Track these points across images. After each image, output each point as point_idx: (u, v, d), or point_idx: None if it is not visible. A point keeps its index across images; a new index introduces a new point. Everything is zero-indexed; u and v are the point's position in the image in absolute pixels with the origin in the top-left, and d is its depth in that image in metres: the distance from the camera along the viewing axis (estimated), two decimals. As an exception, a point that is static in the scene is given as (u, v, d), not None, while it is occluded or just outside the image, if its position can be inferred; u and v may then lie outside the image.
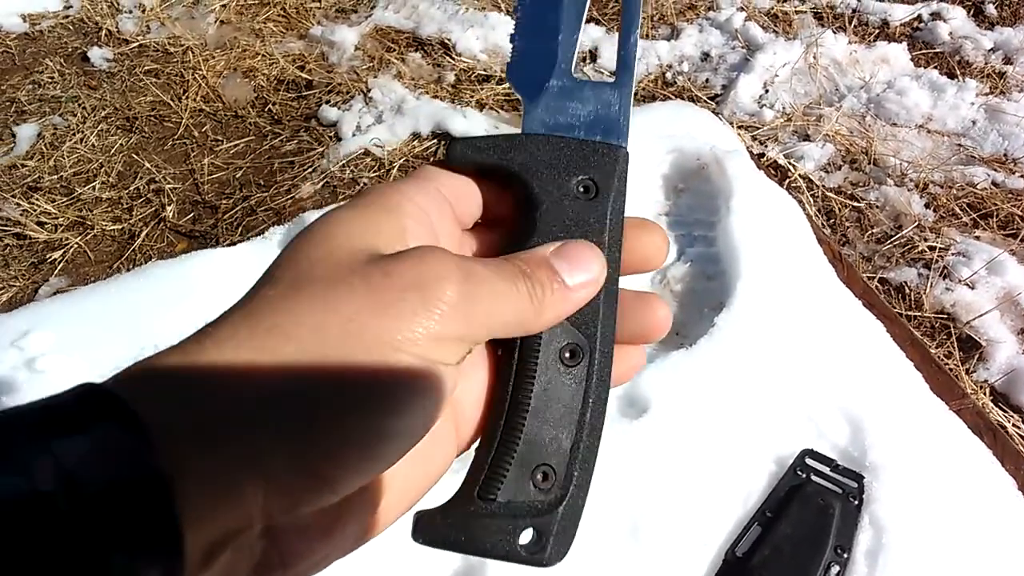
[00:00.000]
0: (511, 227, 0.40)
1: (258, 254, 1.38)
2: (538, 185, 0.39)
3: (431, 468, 0.38)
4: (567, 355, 0.38)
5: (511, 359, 0.38)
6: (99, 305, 1.29)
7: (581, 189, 0.39)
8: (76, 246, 1.98)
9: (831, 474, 1.14)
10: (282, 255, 0.33)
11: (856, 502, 1.11)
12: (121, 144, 2.24)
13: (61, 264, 1.94)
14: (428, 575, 1.04)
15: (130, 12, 2.66)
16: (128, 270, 1.88)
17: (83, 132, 2.26)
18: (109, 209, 2.09)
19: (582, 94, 0.40)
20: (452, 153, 0.39)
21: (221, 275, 1.33)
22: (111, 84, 2.43)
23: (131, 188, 2.13)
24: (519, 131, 0.41)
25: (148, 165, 2.17)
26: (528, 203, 0.39)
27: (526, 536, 0.37)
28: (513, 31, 0.42)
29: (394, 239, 0.34)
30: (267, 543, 0.30)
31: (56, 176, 2.15)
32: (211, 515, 0.27)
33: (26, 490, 0.23)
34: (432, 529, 0.37)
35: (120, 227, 2.04)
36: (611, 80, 0.41)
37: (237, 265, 1.35)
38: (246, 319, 0.30)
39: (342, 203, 0.36)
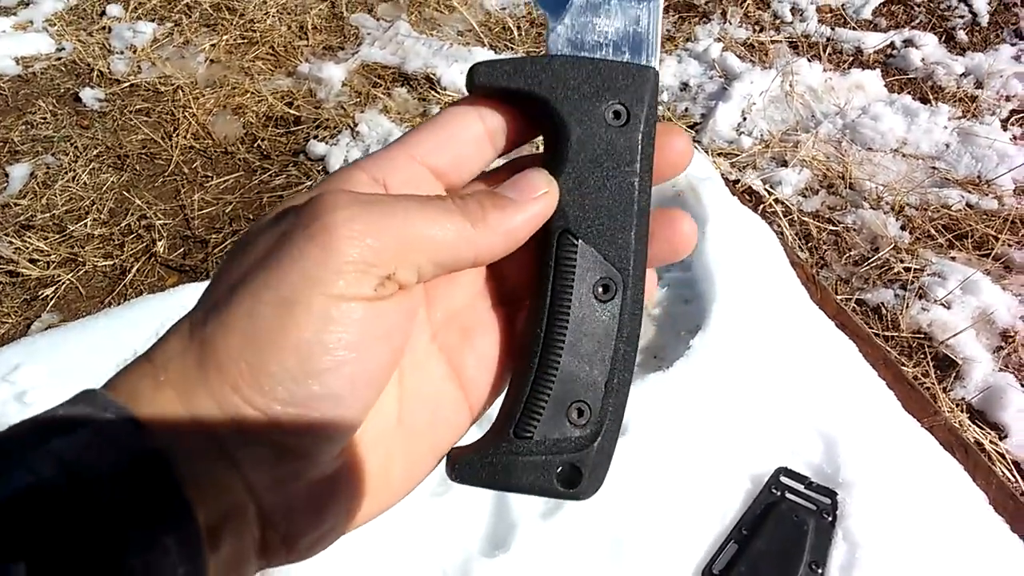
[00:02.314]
0: (541, 158, 0.39)
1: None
2: (568, 112, 0.37)
3: (438, 440, 0.38)
4: (600, 290, 0.38)
5: (544, 295, 0.38)
6: (89, 338, 1.32)
7: (612, 115, 0.38)
8: (68, 282, 2.01)
9: (805, 491, 1.16)
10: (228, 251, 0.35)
11: (830, 518, 1.14)
12: (112, 182, 2.28)
13: (53, 300, 1.97)
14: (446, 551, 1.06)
15: (121, 53, 2.71)
16: (119, 305, 1.91)
17: (75, 171, 2.30)
18: (100, 245, 2.12)
19: (609, 9, 0.38)
20: (474, 77, 0.37)
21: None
22: (103, 123, 2.47)
23: (122, 224, 2.16)
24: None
25: (139, 202, 2.20)
26: (558, 131, 0.38)
27: (563, 471, 0.37)
28: None
29: None
30: (263, 524, 0.31)
31: (48, 214, 2.18)
32: (206, 492, 0.29)
33: (32, 483, 0.25)
34: (469, 468, 0.37)
35: (111, 263, 2.07)
36: None
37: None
38: (193, 311, 0.32)
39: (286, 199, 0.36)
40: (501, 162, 0.42)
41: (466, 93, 0.39)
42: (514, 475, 0.37)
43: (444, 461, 0.39)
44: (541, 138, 0.41)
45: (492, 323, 0.40)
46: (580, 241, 0.38)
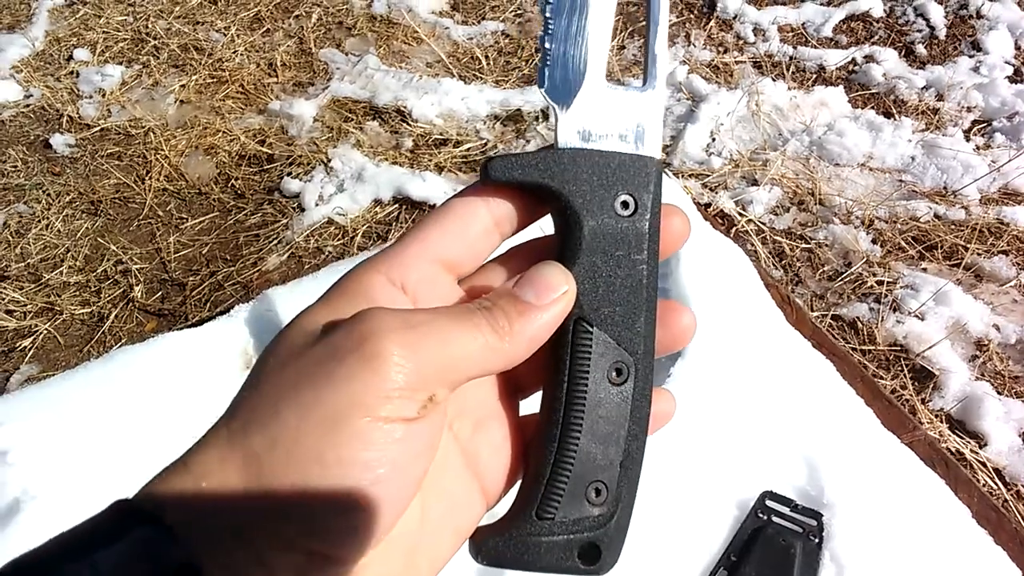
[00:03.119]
0: (550, 249, 0.40)
1: (224, 332, 1.41)
2: (580, 204, 0.39)
3: (459, 527, 0.39)
4: (614, 374, 0.39)
5: (561, 381, 0.39)
6: (69, 394, 1.31)
7: (620, 205, 0.39)
8: (46, 332, 2.00)
9: (791, 514, 1.17)
10: (259, 358, 0.35)
11: (816, 540, 1.15)
12: (87, 228, 2.27)
13: (31, 351, 1.95)
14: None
15: (90, 97, 2.70)
16: (99, 353, 1.90)
17: (48, 218, 2.29)
18: (77, 293, 2.11)
19: (615, 101, 0.39)
20: (491, 172, 0.38)
21: (188, 356, 1.35)
22: (74, 169, 2.46)
23: (98, 271, 2.15)
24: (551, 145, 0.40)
25: (114, 247, 2.20)
26: (570, 223, 0.39)
27: (584, 549, 0.39)
28: (542, 35, 0.40)
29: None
30: None
31: (23, 263, 2.17)
32: None
33: None
34: (494, 550, 0.38)
35: (89, 310, 2.06)
36: (641, 85, 0.40)
37: (204, 345, 1.38)
38: (227, 417, 0.33)
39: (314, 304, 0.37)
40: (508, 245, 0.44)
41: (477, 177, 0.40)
42: (538, 556, 0.38)
43: (467, 542, 0.40)
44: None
45: (501, 413, 0.42)
46: (595, 328, 0.39)
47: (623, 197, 0.39)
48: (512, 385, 0.43)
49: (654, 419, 0.41)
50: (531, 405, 0.44)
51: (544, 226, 0.43)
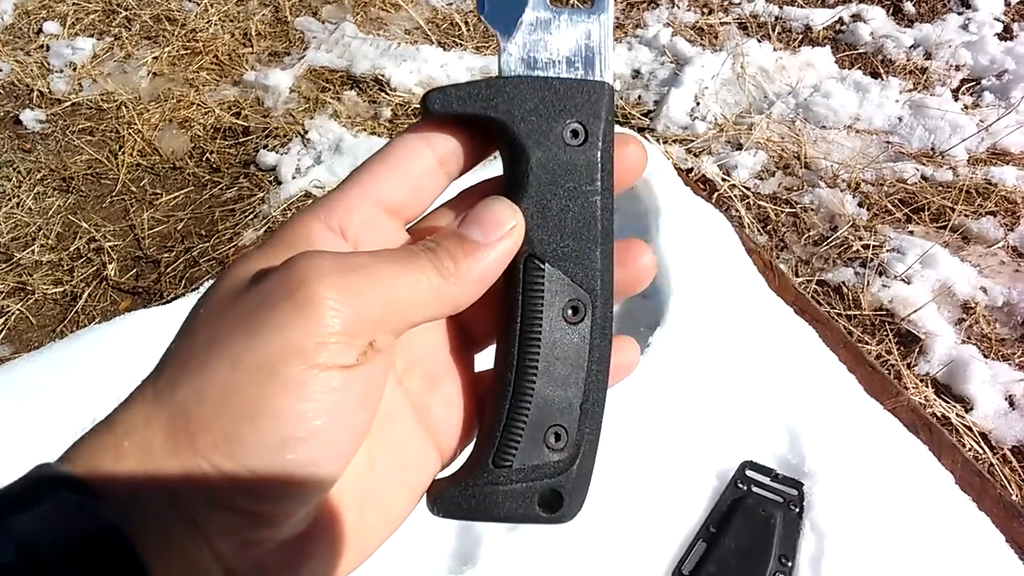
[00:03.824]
0: (499, 184, 0.38)
1: (193, 310, 1.38)
2: (526, 134, 0.37)
3: (412, 481, 0.38)
4: (570, 312, 0.37)
5: (514, 321, 0.37)
6: (34, 376, 1.28)
7: (570, 134, 0.37)
8: (18, 312, 1.96)
9: (771, 484, 1.15)
10: (191, 311, 0.33)
11: (797, 510, 1.13)
12: (59, 205, 2.22)
13: (3, 332, 1.92)
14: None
15: (61, 72, 2.64)
16: (73, 332, 1.86)
17: (19, 196, 2.24)
18: (49, 272, 2.06)
19: (560, 25, 0.38)
20: (428, 105, 0.37)
21: (156, 335, 1.32)
22: (45, 146, 2.41)
23: (71, 249, 2.11)
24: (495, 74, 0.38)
25: (87, 225, 2.15)
26: (517, 154, 0.37)
27: (544, 496, 0.37)
28: None
29: None
30: None
31: (-7, 243, 2.12)
32: (169, 563, 0.28)
33: None
34: (451, 502, 0.37)
35: (62, 289, 2.02)
36: (588, 7, 0.38)
37: (172, 323, 1.34)
38: (154, 374, 0.31)
39: (249, 252, 0.35)
40: (458, 187, 0.42)
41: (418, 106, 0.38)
42: (496, 505, 0.37)
43: (424, 496, 0.38)
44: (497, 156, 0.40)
45: (454, 367, 0.40)
46: (547, 265, 0.37)
47: (572, 126, 0.37)
48: (465, 338, 0.41)
49: (616, 370, 0.40)
50: (487, 360, 0.42)
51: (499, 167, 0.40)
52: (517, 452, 0.37)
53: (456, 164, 0.38)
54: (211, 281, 1.44)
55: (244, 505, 0.30)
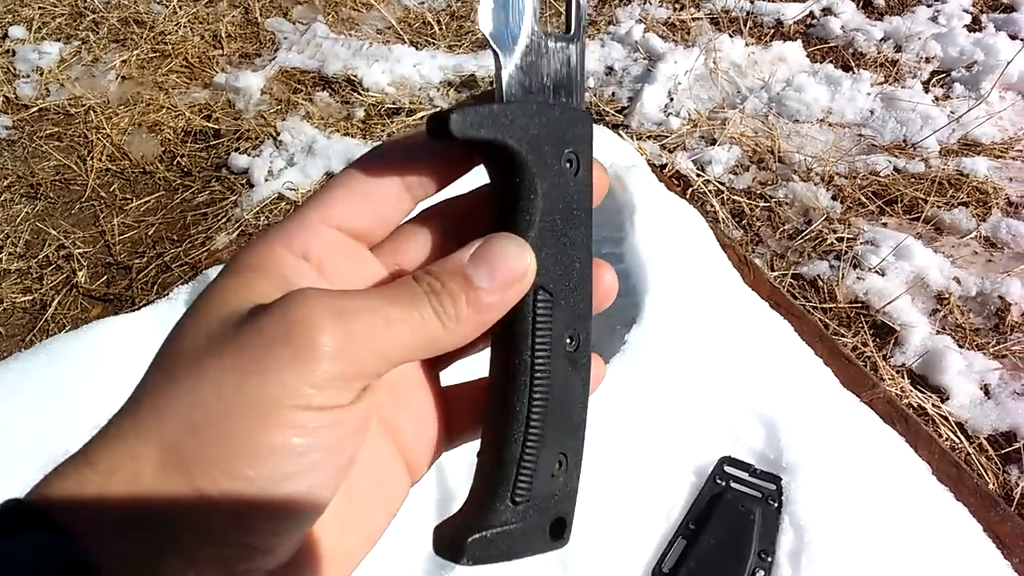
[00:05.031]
0: (495, 207, 0.37)
1: (163, 316, 1.36)
2: (535, 162, 0.35)
3: (388, 504, 0.38)
4: (567, 340, 0.37)
5: (522, 353, 0.36)
6: (2, 386, 1.25)
7: (567, 163, 0.36)
8: (-14, 322, 1.93)
9: (750, 479, 1.15)
10: (165, 340, 0.32)
11: (776, 504, 1.13)
12: (27, 212, 2.19)
13: (-29, 343, 1.88)
14: None
15: (27, 76, 2.60)
16: (41, 341, 1.83)
17: (-15, 204, 2.20)
18: (18, 280, 2.03)
19: (547, 49, 0.36)
20: (453, 127, 0.33)
21: (126, 343, 1.30)
22: (12, 152, 2.37)
23: (40, 256, 2.07)
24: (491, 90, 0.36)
25: (55, 232, 2.12)
26: (523, 183, 0.35)
27: (553, 526, 0.37)
28: None
29: (274, 292, 0.31)
30: None
31: (-40, 252, 2.08)
32: None
33: None
34: (484, 549, 0.36)
35: (31, 298, 1.99)
36: (567, 34, 0.37)
37: (141, 331, 1.32)
38: (133, 408, 0.30)
39: (219, 273, 0.34)
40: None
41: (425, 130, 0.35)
42: (520, 542, 0.36)
43: (441, 548, 0.37)
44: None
45: (420, 383, 0.39)
46: (553, 296, 0.36)
47: (568, 154, 0.36)
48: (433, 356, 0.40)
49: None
50: (451, 376, 0.41)
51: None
52: (533, 487, 0.36)
53: (423, 189, 0.37)
54: (184, 287, 1.41)
55: (238, 538, 0.29)
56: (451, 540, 0.36)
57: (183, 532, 0.28)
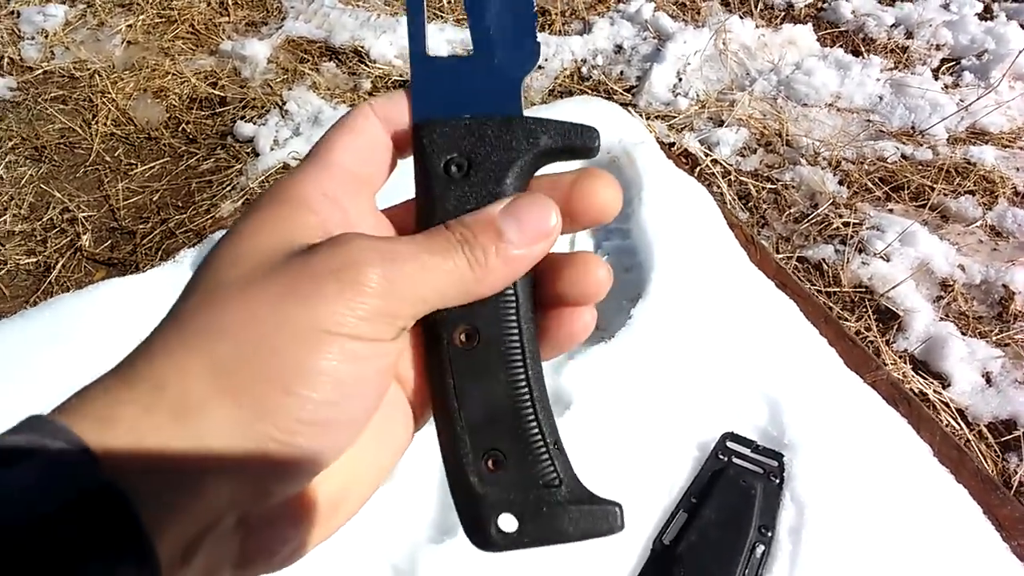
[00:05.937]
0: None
1: (169, 278, 1.35)
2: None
3: (396, 443, 0.38)
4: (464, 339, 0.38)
5: (529, 335, 0.37)
6: (5, 345, 1.25)
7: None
8: (-11, 283, 1.92)
9: (752, 455, 1.16)
10: (197, 269, 0.33)
11: (777, 481, 1.13)
12: (31, 175, 2.18)
13: (-27, 303, 1.88)
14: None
15: (32, 39, 2.58)
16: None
17: (-11, 165, 2.19)
18: (22, 242, 2.02)
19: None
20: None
21: (130, 304, 1.30)
22: (16, 114, 2.36)
23: (44, 219, 2.07)
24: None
25: (60, 195, 2.11)
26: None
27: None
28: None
29: (309, 232, 0.33)
30: (244, 534, 0.31)
31: (-37, 213, 2.08)
32: (175, 516, 0.27)
33: None
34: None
35: (34, 260, 1.98)
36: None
37: (147, 292, 1.32)
38: (175, 328, 0.30)
39: (245, 210, 0.35)
40: None
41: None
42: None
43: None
44: None
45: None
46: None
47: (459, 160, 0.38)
48: None
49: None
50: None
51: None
52: (561, 465, 0.38)
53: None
54: (190, 250, 1.40)
55: (280, 454, 0.30)
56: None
57: (230, 449, 0.29)
